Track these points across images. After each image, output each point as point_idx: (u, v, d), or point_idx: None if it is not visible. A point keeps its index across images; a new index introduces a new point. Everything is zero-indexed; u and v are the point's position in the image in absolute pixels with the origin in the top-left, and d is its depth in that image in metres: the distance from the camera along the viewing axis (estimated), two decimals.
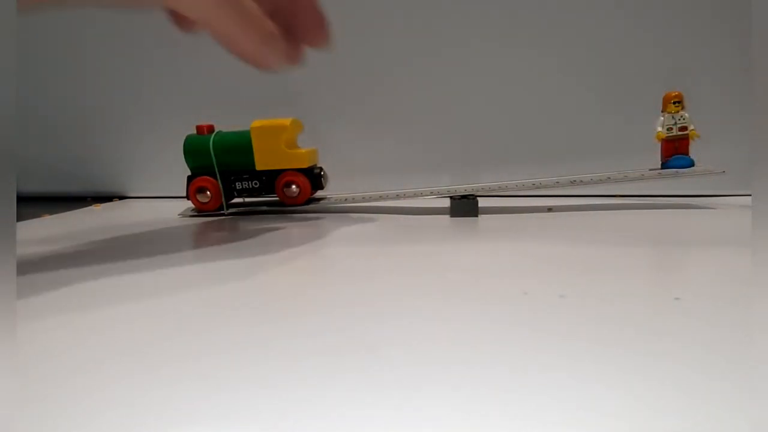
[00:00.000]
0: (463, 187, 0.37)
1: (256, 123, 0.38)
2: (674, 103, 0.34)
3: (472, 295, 0.21)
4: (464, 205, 0.35)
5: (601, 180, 0.36)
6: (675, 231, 0.31)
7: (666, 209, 0.36)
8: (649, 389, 0.13)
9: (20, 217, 0.41)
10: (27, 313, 0.20)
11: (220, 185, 0.39)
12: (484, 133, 0.37)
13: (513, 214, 0.36)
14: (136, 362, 0.15)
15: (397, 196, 0.39)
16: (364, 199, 0.40)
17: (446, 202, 0.40)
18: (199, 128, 0.39)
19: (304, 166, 0.38)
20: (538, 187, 0.36)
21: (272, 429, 0.12)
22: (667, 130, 0.34)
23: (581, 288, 0.20)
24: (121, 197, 0.53)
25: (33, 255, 0.29)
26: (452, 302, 0.20)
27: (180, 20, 0.33)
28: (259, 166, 0.38)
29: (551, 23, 0.44)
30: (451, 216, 0.36)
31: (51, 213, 0.43)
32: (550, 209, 0.37)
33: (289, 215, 0.39)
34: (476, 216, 0.34)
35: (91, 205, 0.49)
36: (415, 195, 0.39)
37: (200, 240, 0.33)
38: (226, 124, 0.40)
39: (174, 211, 0.42)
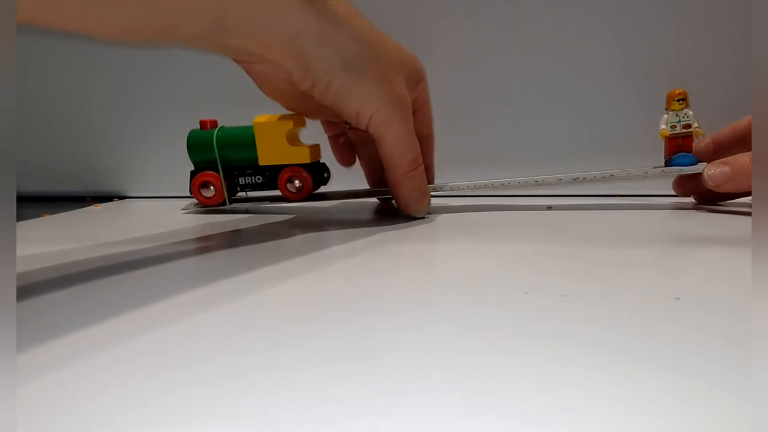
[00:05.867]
0: (465, 184, 0.37)
1: (260, 118, 0.38)
2: (678, 100, 0.34)
3: (473, 295, 0.20)
4: None
5: (604, 177, 0.35)
6: (675, 230, 0.31)
7: (666, 209, 0.35)
8: (649, 389, 0.13)
9: (20, 217, 0.41)
10: (27, 313, 0.20)
11: (223, 180, 0.39)
12: (486, 131, 0.37)
13: (514, 212, 0.36)
14: (136, 364, 0.15)
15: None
16: (366, 195, 0.39)
17: (448, 201, 0.40)
18: (202, 123, 0.39)
19: (307, 161, 0.38)
20: (540, 185, 0.36)
21: (272, 429, 0.12)
22: (671, 127, 0.34)
23: (582, 287, 0.20)
24: (121, 197, 0.53)
25: (33, 255, 0.29)
26: (452, 301, 0.20)
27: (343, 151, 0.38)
28: (262, 161, 0.38)
29: (554, 21, 0.44)
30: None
31: (51, 213, 0.43)
32: (549, 208, 0.36)
33: (291, 210, 0.39)
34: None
35: (91, 205, 0.49)
36: None
37: (203, 238, 0.33)
38: (229, 119, 0.40)
39: (174, 210, 0.42)
